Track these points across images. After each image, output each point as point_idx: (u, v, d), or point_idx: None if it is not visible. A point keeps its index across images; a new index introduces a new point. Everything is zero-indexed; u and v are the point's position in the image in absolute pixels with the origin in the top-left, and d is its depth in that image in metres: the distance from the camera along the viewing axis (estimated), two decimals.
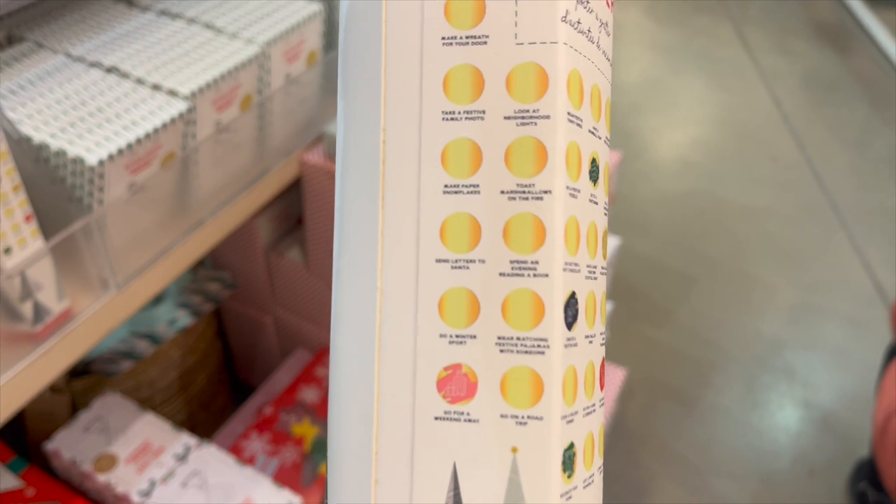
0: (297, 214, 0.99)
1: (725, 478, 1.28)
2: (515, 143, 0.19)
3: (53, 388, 0.86)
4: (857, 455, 1.31)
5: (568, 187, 0.20)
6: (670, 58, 2.43)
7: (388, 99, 0.20)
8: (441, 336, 0.20)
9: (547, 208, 0.19)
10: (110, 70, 0.65)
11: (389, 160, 0.20)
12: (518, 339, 0.19)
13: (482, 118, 0.20)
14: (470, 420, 0.20)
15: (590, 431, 0.21)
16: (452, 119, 0.20)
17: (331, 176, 0.82)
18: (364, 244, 0.20)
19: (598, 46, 0.22)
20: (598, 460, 0.23)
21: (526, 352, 0.19)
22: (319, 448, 0.89)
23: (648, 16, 2.60)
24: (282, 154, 0.80)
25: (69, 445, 0.79)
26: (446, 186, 0.20)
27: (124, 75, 0.64)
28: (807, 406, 1.41)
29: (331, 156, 0.82)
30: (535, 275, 0.19)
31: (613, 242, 1.12)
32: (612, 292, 1.40)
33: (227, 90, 0.67)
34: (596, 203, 0.22)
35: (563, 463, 0.19)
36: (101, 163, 0.56)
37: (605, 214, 0.23)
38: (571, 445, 0.20)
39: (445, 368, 0.20)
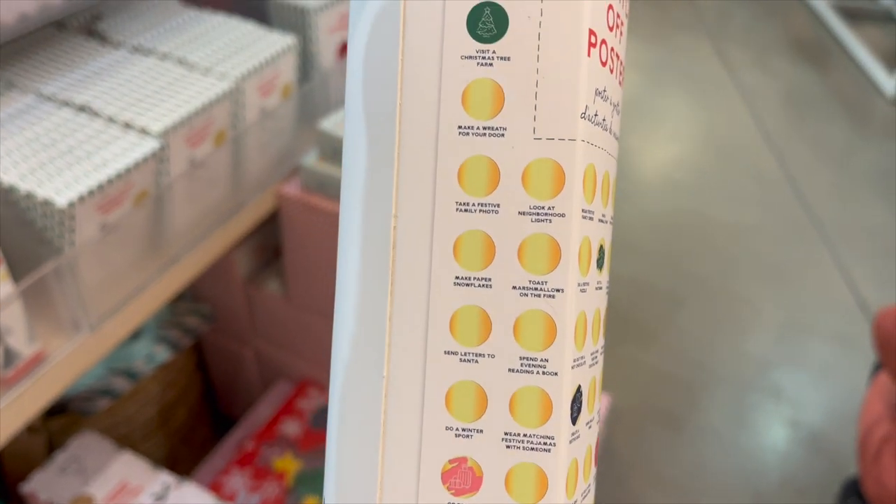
0: (276, 246, 0.98)
1: (715, 499, 1.27)
2: (529, 240, 0.19)
3: (30, 428, 0.85)
4: (845, 473, 1.31)
5: (579, 284, 0.20)
6: (651, 77, 2.45)
7: (401, 184, 0.20)
8: (447, 429, 0.20)
9: (559, 306, 0.19)
10: (82, 108, 0.65)
11: (400, 247, 0.20)
12: (525, 435, 0.19)
13: (496, 212, 0.20)
14: None
15: None
16: (466, 210, 0.20)
17: (308, 208, 0.82)
18: (371, 330, 0.21)
19: (611, 131, 0.22)
20: None
21: (532, 448, 0.19)
22: (302, 482, 0.88)
23: (629, 35, 2.62)
24: (258, 187, 0.80)
25: (45, 487, 0.77)
26: (457, 278, 0.20)
27: (95, 114, 0.64)
28: (794, 425, 1.40)
29: (307, 188, 0.82)
30: (544, 372, 0.19)
31: None
32: None
33: (200, 126, 0.67)
34: (601, 289, 0.22)
35: None
36: (72, 204, 0.56)
37: (607, 294, 0.23)
38: None
39: (451, 461, 0.20)
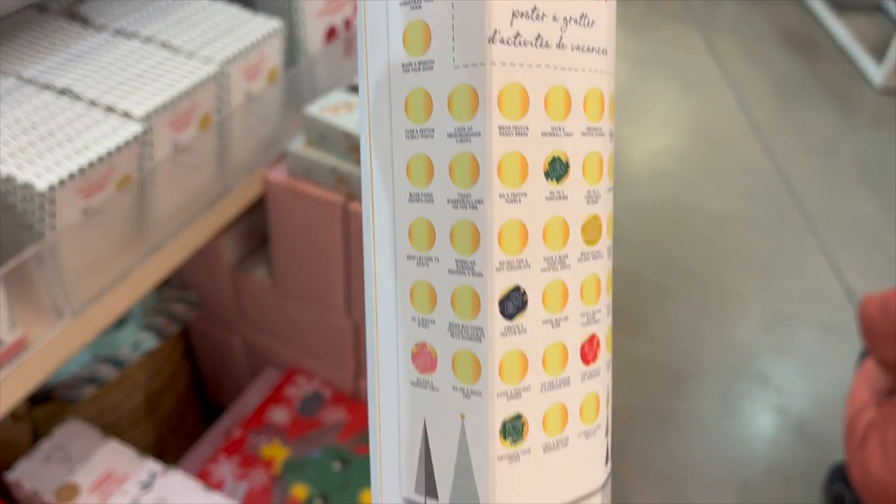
0: (263, 232, 0.98)
1: (703, 488, 1.28)
2: (456, 159, 0.23)
3: (14, 416, 0.84)
4: (831, 460, 1.32)
5: (503, 195, 0.22)
6: (640, 67, 2.45)
7: (371, 119, 0.24)
8: (412, 319, 0.24)
9: (480, 215, 0.22)
10: (63, 92, 0.64)
11: (374, 171, 0.25)
12: (462, 326, 0.23)
13: (432, 136, 0.23)
14: (433, 388, 0.24)
15: (557, 403, 0.24)
16: (413, 137, 0.23)
17: (295, 194, 0.81)
18: (366, 244, 0.25)
19: (562, 46, 0.23)
20: (581, 426, 0.25)
21: (468, 338, 0.23)
22: (289, 470, 0.87)
23: (618, 25, 2.62)
24: (244, 173, 0.79)
25: (30, 476, 0.77)
26: (411, 195, 0.24)
27: (77, 97, 0.63)
28: (781, 413, 1.41)
29: (294, 173, 0.81)
30: (473, 273, 0.23)
31: None
32: None
33: (184, 110, 0.66)
34: (563, 198, 0.23)
35: (505, 430, 0.23)
36: (52, 188, 0.55)
37: (591, 203, 0.25)
38: (518, 416, 0.23)
39: (416, 345, 0.24)
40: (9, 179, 0.55)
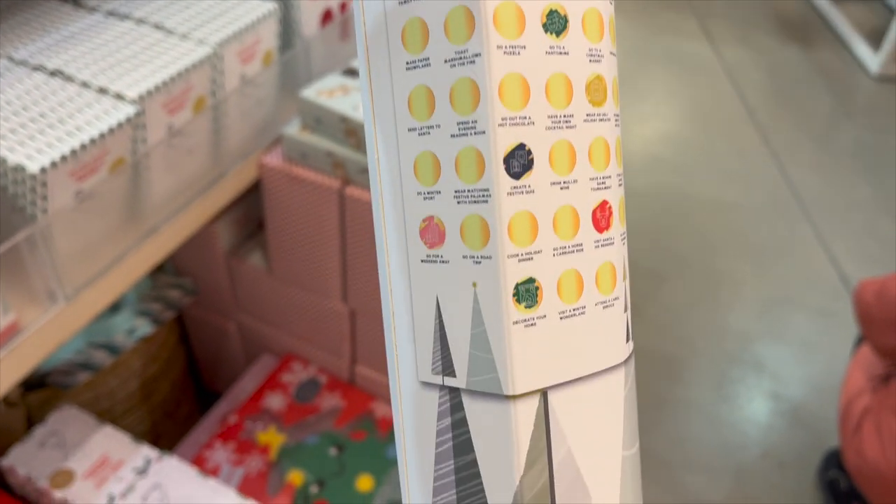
0: (259, 218, 0.97)
1: (697, 473, 1.28)
2: (451, 13, 0.23)
3: (7, 402, 0.84)
4: (826, 445, 1.33)
5: (500, 46, 0.22)
6: (637, 54, 2.44)
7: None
8: (418, 194, 0.24)
9: (479, 70, 0.22)
10: (54, 73, 0.63)
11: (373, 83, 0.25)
12: (468, 191, 0.23)
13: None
14: (443, 261, 0.24)
15: (572, 269, 0.24)
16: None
17: (290, 178, 0.81)
18: (366, 119, 0.25)
19: None
20: (598, 295, 0.25)
21: (475, 201, 0.23)
22: (286, 456, 0.87)
23: (615, 12, 2.60)
24: (239, 157, 0.78)
25: (24, 462, 0.76)
26: (407, 63, 0.23)
27: (69, 79, 0.62)
28: (776, 399, 1.42)
29: (290, 158, 0.81)
30: (475, 133, 0.22)
31: None
32: None
33: (178, 93, 0.65)
34: (564, 53, 0.23)
35: (518, 294, 0.23)
36: (44, 170, 0.54)
37: (594, 62, 0.24)
38: (530, 280, 0.23)
39: (423, 220, 0.24)
40: (0, 162, 0.55)
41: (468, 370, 0.23)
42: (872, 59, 2.42)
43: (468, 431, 0.24)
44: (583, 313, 0.24)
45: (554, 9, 0.23)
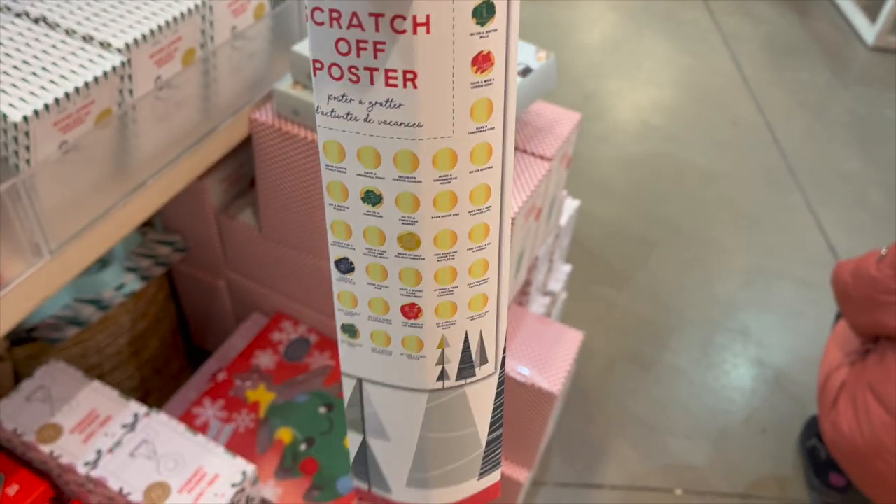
0: (250, 176, 0.96)
1: (681, 437, 1.30)
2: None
3: None
4: (808, 413, 1.35)
5: (331, 204, 0.34)
6: (633, 19, 2.41)
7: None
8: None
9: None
10: (38, 20, 0.61)
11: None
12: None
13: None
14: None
15: (381, 331, 0.37)
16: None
17: (281, 135, 0.79)
18: None
19: (369, 120, 0.31)
20: (401, 348, 0.37)
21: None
22: (274, 414, 0.87)
23: None
24: (230, 112, 0.77)
25: (11, 416, 0.76)
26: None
27: (53, 26, 0.60)
28: (760, 366, 1.43)
29: (281, 114, 0.79)
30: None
31: (572, 204, 1.11)
32: (571, 255, 1.39)
33: (166, 43, 0.63)
34: (379, 216, 0.34)
35: (344, 330, 0.37)
36: (27, 119, 0.53)
37: (407, 224, 0.34)
38: (352, 326, 0.37)
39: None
40: None
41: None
42: (869, 30, 2.40)
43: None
44: (389, 354, 0.36)
45: (370, 189, 0.32)
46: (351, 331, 0.37)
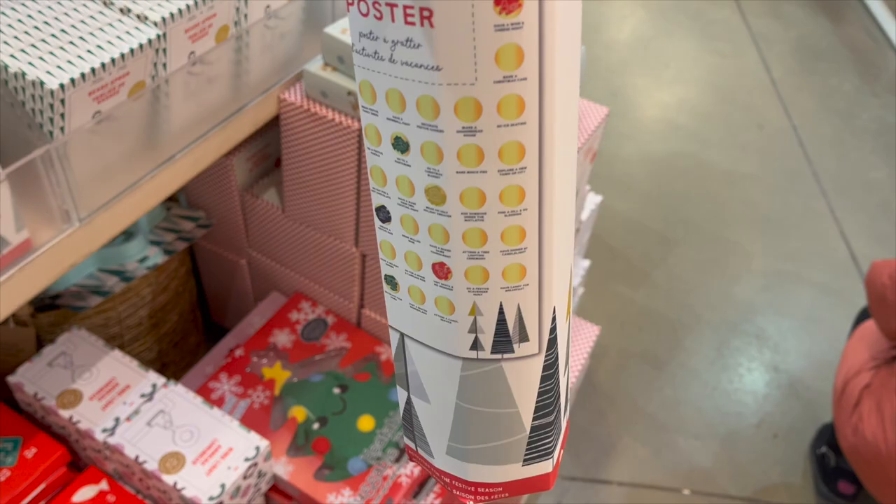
0: (276, 156, 0.96)
1: (691, 438, 1.30)
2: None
3: (18, 321, 0.85)
4: (821, 421, 1.34)
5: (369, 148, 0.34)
6: (663, 17, 2.39)
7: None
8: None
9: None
10: None
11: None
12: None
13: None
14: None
15: (416, 286, 0.36)
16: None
17: (309, 116, 0.80)
18: None
19: (393, 61, 0.30)
20: (434, 309, 0.36)
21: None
22: (289, 392, 0.88)
23: None
24: (259, 91, 0.78)
25: (32, 379, 0.77)
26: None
27: None
28: (775, 370, 1.43)
29: (310, 95, 0.80)
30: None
31: (594, 199, 1.11)
32: (590, 250, 1.39)
33: (201, 19, 0.64)
34: (408, 165, 0.33)
35: (387, 281, 0.37)
36: (63, 87, 0.53)
37: (432, 177, 0.33)
38: (392, 277, 0.36)
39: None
40: (18, 75, 0.54)
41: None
42: None
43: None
44: (424, 313, 0.35)
45: (398, 135, 0.31)
46: (392, 282, 0.36)
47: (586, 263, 1.21)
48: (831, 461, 1.24)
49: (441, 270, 0.33)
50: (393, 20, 0.29)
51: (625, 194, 1.73)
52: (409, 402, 0.39)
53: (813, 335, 1.50)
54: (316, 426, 0.86)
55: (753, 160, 1.89)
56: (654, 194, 1.75)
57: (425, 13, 0.27)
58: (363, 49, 0.30)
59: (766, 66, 2.23)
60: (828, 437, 1.27)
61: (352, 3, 0.30)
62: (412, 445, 0.41)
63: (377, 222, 0.35)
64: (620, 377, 1.37)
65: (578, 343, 0.90)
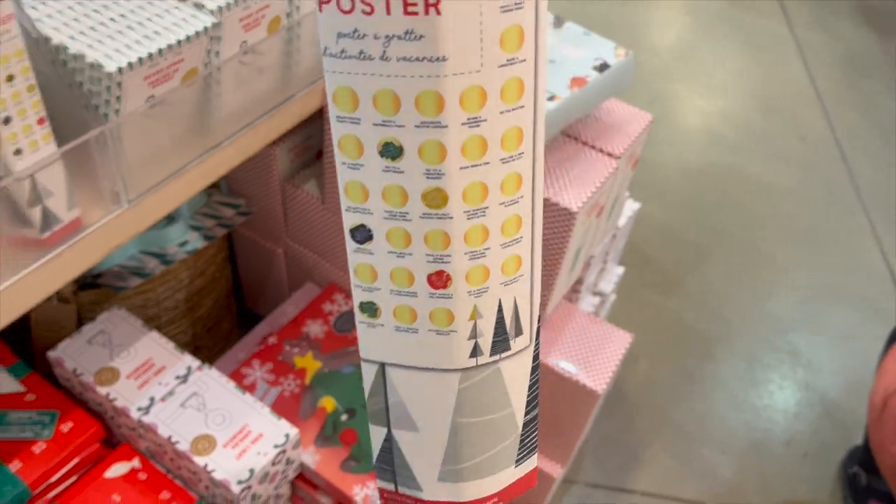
0: (318, 148, 0.97)
1: (717, 451, 1.28)
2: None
3: (60, 298, 0.86)
4: (852, 441, 1.31)
5: (344, 163, 0.35)
6: (707, 25, 2.36)
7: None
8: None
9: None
10: None
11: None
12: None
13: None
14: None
15: (405, 304, 0.35)
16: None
17: None
18: None
19: (385, 58, 0.28)
20: (429, 324, 0.35)
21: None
22: (319, 382, 0.89)
23: None
24: (307, 83, 0.78)
25: (72, 356, 0.79)
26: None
27: None
28: (807, 388, 1.40)
29: None
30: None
31: (632, 206, 1.10)
32: (624, 256, 1.38)
33: (255, 9, 0.65)
34: (400, 172, 0.34)
35: (363, 309, 0.38)
36: (120, 70, 0.54)
37: (431, 178, 0.32)
38: (371, 303, 0.35)
39: None
40: (77, 57, 0.55)
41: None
42: None
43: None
44: (416, 332, 0.33)
45: (389, 141, 0.30)
46: (370, 309, 0.34)
47: (620, 270, 1.20)
48: (863, 480, 1.22)
49: (439, 279, 0.32)
50: (388, 12, 0.27)
51: (661, 201, 1.71)
52: (388, 438, 0.37)
53: (847, 353, 1.47)
54: (344, 417, 0.86)
55: (794, 172, 1.86)
56: (691, 203, 1.73)
57: (431, 0, 0.26)
58: (342, 51, 0.28)
59: (811, 78, 2.19)
60: (859, 456, 1.25)
61: (326, 2, 0.27)
62: (390, 487, 0.39)
63: (351, 245, 0.33)
64: (649, 386, 1.36)
65: (610, 350, 0.90)
